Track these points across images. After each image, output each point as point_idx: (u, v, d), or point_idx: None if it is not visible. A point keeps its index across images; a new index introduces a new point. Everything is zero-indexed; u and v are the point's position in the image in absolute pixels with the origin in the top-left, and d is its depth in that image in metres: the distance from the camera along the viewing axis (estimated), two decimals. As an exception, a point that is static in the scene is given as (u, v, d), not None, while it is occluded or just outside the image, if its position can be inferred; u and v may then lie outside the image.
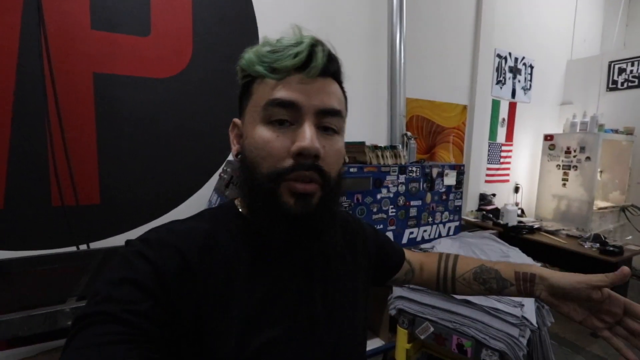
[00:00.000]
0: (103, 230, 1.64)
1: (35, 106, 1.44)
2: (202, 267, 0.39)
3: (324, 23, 2.11)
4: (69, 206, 1.52)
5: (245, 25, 1.89)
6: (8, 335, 0.99)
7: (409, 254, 0.69)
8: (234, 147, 0.48)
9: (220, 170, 1.89)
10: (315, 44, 0.42)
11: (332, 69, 0.44)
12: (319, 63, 0.41)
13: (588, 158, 3.12)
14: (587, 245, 2.35)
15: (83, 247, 1.56)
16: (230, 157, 1.90)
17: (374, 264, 0.61)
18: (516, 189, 3.58)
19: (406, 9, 2.14)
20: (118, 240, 1.66)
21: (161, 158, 1.74)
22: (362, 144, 1.72)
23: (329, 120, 0.43)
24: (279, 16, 1.97)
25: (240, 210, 0.48)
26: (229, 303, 0.39)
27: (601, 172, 3.45)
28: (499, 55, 3.10)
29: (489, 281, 0.61)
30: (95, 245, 1.61)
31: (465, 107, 2.94)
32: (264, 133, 0.41)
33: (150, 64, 1.67)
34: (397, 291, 1.41)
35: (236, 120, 0.48)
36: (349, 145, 1.71)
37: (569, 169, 3.25)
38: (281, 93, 0.40)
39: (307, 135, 0.40)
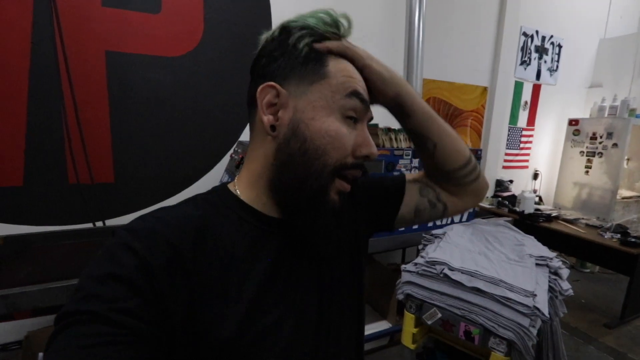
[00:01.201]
0: (118, 208, 1.68)
1: (50, 85, 1.46)
2: (196, 258, 0.37)
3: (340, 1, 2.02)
4: (84, 184, 1.56)
5: (258, 4, 1.83)
6: (29, 306, 1.04)
7: (410, 176, 0.62)
8: (267, 117, 0.41)
9: (231, 151, 1.89)
10: None
11: None
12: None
13: (615, 145, 2.96)
14: (608, 235, 2.26)
15: (99, 224, 1.61)
16: (242, 138, 1.89)
17: (368, 215, 0.56)
18: (535, 176, 3.46)
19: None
20: (132, 218, 1.70)
21: (173, 137, 1.75)
22: (376, 126, 1.68)
23: None
24: (295, 6, 1.89)
25: (237, 193, 0.45)
26: (226, 292, 0.38)
27: (628, 159, 3.27)
28: (524, 34, 2.92)
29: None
30: (111, 222, 1.65)
31: (485, 88, 2.81)
32: (340, 126, 0.41)
33: (161, 42, 1.65)
34: (405, 276, 1.40)
35: (275, 84, 0.41)
36: (362, 128, 1.67)
37: (594, 156, 3.10)
38: (361, 89, 0.43)
39: (373, 143, 0.44)
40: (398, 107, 0.51)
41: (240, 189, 0.45)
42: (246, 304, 0.38)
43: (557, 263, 1.40)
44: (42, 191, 1.52)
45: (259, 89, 0.41)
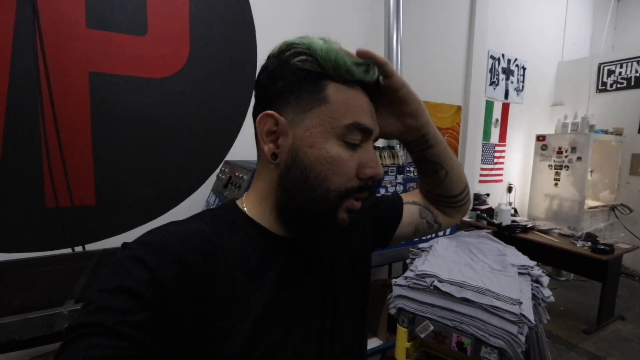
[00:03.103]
0: (98, 232, 1.62)
1: (30, 106, 1.41)
2: (205, 273, 0.37)
3: (320, 24, 2.12)
4: (63, 207, 1.49)
5: (243, 27, 1.88)
6: (3, 338, 0.97)
7: (407, 196, 0.63)
8: (267, 146, 0.42)
9: (217, 170, 1.88)
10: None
11: None
12: (373, 78, 0.43)
13: (579, 158, 3.18)
14: (579, 244, 2.39)
15: (78, 249, 1.54)
16: (229, 158, 1.89)
17: (371, 231, 0.57)
18: (509, 189, 3.64)
19: (403, 12, 2.16)
20: (114, 241, 1.64)
21: (157, 159, 1.73)
22: (361, 144, 1.73)
23: None
24: (276, 19, 1.96)
25: (244, 210, 0.45)
26: (234, 308, 0.38)
27: (592, 171, 3.52)
28: (492, 57, 3.15)
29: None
30: (91, 247, 1.58)
31: (459, 107, 2.98)
32: (340, 151, 0.40)
33: (147, 64, 1.65)
34: (396, 290, 1.42)
35: (273, 113, 0.41)
36: (348, 146, 1.72)
37: (561, 169, 3.31)
38: (365, 119, 0.41)
39: (378, 162, 0.43)
40: (423, 136, 0.51)
41: (247, 206, 0.45)
42: (253, 321, 0.38)
43: (537, 271, 1.46)
44: (17, 216, 1.44)
45: (257, 118, 0.42)
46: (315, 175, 0.40)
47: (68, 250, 1.50)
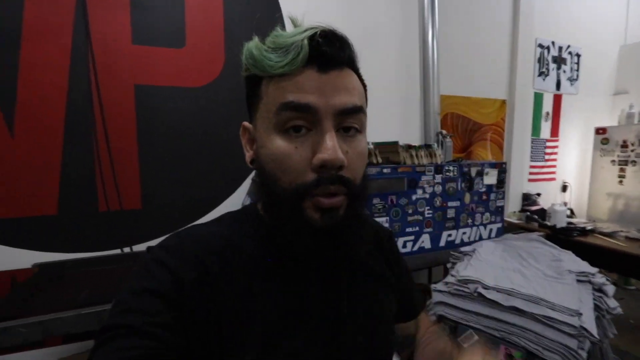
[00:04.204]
0: (145, 234, 1.72)
1: (85, 118, 1.55)
2: (222, 276, 0.38)
3: (354, 23, 2.09)
4: (114, 211, 1.61)
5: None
6: (62, 331, 1.06)
7: (424, 317, 0.65)
8: (248, 154, 0.45)
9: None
10: (321, 33, 0.37)
11: (345, 57, 0.38)
12: (328, 53, 0.37)
13: (649, 152, 2.81)
14: (653, 248, 2.10)
15: (126, 249, 1.65)
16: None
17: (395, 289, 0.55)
18: (564, 188, 3.31)
19: (438, 3, 2.06)
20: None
21: (196, 164, 1.80)
22: (395, 143, 1.67)
23: (351, 119, 0.38)
24: (308, 23, 1.97)
25: (262, 214, 0.45)
26: (250, 312, 0.38)
27: (665, 167, 3.09)
28: (540, 45, 2.90)
29: None
30: (138, 248, 1.69)
31: (504, 102, 2.77)
32: (281, 145, 0.37)
33: (185, 74, 1.73)
34: (436, 296, 1.34)
35: (246, 124, 0.45)
36: (382, 146, 1.67)
37: (626, 165, 2.95)
38: (294, 95, 0.36)
39: (329, 145, 0.36)
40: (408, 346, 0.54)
41: (262, 209, 0.46)
42: (267, 327, 0.38)
43: (600, 279, 1.30)
44: (75, 219, 1.58)
45: (240, 131, 0.46)
46: (268, 175, 0.39)
47: (117, 251, 1.62)
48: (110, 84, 1.58)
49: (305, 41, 0.36)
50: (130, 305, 0.33)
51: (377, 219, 1.59)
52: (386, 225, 1.61)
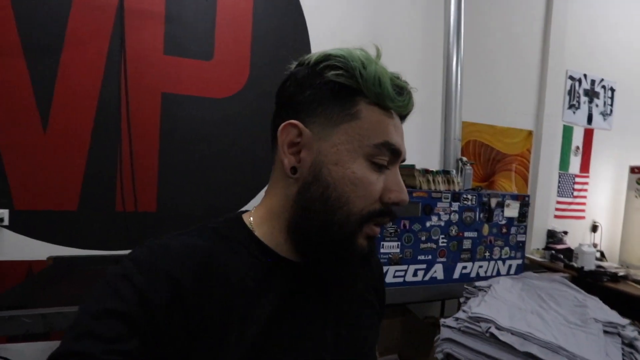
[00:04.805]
0: (157, 236, 1.74)
1: (112, 120, 1.62)
2: (197, 293, 0.34)
3: (376, 41, 2.11)
4: (129, 212, 1.65)
5: (300, 51, 1.96)
6: (63, 326, 1.06)
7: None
8: (288, 159, 0.39)
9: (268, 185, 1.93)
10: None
11: None
12: (410, 110, 0.42)
13: (691, 196, 2.61)
14: (694, 303, 1.91)
15: (137, 251, 1.67)
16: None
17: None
18: (594, 228, 3.11)
19: (465, 28, 2.06)
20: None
21: (213, 172, 1.84)
22: (412, 167, 1.63)
23: None
24: (333, 42, 2.01)
25: (251, 227, 0.41)
26: (228, 333, 0.34)
27: None
28: (571, 77, 2.81)
29: None
30: (148, 250, 1.71)
31: (530, 132, 2.68)
32: (367, 172, 0.38)
33: (211, 85, 1.80)
34: (445, 332, 1.26)
35: (297, 123, 0.38)
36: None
37: (665, 208, 2.74)
38: (394, 139, 0.39)
39: (404, 187, 0.40)
40: None
41: (255, 223, 0.42)
42: (248, 349, 0.34)
43: (632, 332, 1.18)
44: (92, 217, 1.63)
45: (280, 128, 0.39)
46: (338, 196, 0.37)
47: (128, 252, 1.64)
48: (139, 90, 1.66)
49: (409, 90, 0.41)
50: (88, 329, 0.30)
51: (388, 244, 1.54)
52: (397, 251, 1.56)
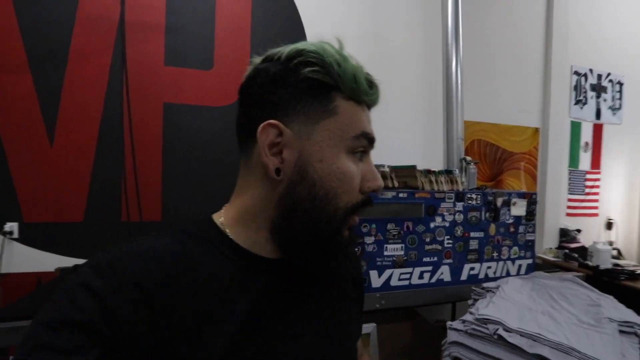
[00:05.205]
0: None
1: (116, 132, 1.66)
2: (165, 298, 0.33)
3: (376, 44, 2.11)
4: (133, 222, 1.67)
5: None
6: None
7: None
8: (271, 161, 0.38)
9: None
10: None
11: None
12: (378, 97, 0.43)
13: None
14: None
15: (142, 260, 1.69)
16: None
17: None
18: (609, 225, 3.01)
19: (465, 25, 2.05)
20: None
21: (217, 179, 1.85)
22: (413, 167, 1.61)
23: None
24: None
25: (222, 228, 0.41)
26: (200, 337, 0.33)
27: None
28: (576, 73, 2.76)
29: None
30: (153, 259, 1.72)
31: (537, 129, 2.63)
32: (351, 166, 0.39)
33: (211, 94, 1.82)
34: (452, 335, 1.22)
35: (278, 123, 0.37)
36: (399, 170, 1.62)
37: (683, 203, 2.64)
38: (369, 128, 0.41)
39: (377, 173, 0.42)
40: None
41: (226, 223, 0.41)
42: (225, 350, 0.33)
43: (648, 331, 1.13)
44: (98, 227, 1.65)
45: (259, 129, 0.37)
46: (325, 193, 0.37)
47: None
48: (141, 102, 1.69)
49: (377, 84, 0.43)
50: (44, 341, 0.28)
51: (392, 246, 1.52)
52: (401, 253, 1.53)
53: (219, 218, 0.43)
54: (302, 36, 1.97)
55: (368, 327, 1.34)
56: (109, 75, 1.64)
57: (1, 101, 1.51)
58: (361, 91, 0.39)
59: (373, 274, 1.47)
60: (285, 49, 0.40)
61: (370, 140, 0.41)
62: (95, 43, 1.61)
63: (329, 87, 0.38)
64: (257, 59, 0.43)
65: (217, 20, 1.81)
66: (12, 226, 1.54)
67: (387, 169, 1.55)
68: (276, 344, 0.37)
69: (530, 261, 1.83)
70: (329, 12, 2.03)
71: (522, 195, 1.81)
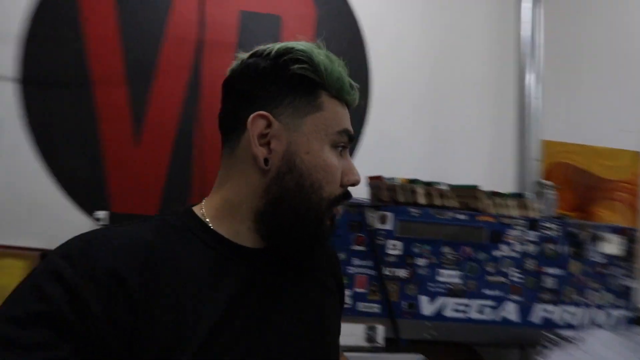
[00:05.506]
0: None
1: (188, 138, 1.86)
2: (142, 286, 0.31)
3: (441, 53, 2.00)
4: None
5: (359, 73, 1.97)
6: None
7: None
8: (260, 151, 0.40)
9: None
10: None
11: None
12: (355, 98, 0.47)
13: None
14: None
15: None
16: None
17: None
18: None
19: (547, 33, 1.84)
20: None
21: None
22: (474, 187, 1.47)
23: None
24: (393, 57, 1.97)
25: (204, 218, 0.41)
26: (181, 324, 0.32)
27: None
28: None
29: None
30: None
31: (637, 153, 2.21)
32: (334, 159, 0.43)
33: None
34: None
35: (267, 114, 0.40)
36: (457, 189, 1.48)
37: None
38: (349, 125, 0.45)
39: (356, 169, 0.46)
40: None
41: (208, 214, 0.42)
42: (205, 340, 0.32)
43: None
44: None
45: (250, 119, 0.39)
46: (311, 183, 0.40)
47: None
48: (211, 115, 1.86)
49: (355, 86, 0.47)
50: (10, 336, 0.25)
51: (447, 272, 1.38)
52: (457, 281, 1.39)
53: (200, 209, 0.43)
54: (361, 48, 1.97)
55: (413, 358, 1.22)
56: (187, 89, 1.85)
57: (104, 110, 1.81)
58: (344, 90, 0.43)
59: (423, 299, 1.35)
60: (275, 46, 0.43)
61: (350, 137, 0.45)
62: (177, 60, 1.83)
63: (316, 84, 0.42)
64: (244, 54, 0.45)
65: (283, 38, 1.93)
66: (104, 214, 1.79)
67: (445, 187, 1.44)
68: (256, 332, 0.37)
69: (627, 313, 1.51)
70: (388, 23, 1.99)
71: (618, 230, 1.52)
